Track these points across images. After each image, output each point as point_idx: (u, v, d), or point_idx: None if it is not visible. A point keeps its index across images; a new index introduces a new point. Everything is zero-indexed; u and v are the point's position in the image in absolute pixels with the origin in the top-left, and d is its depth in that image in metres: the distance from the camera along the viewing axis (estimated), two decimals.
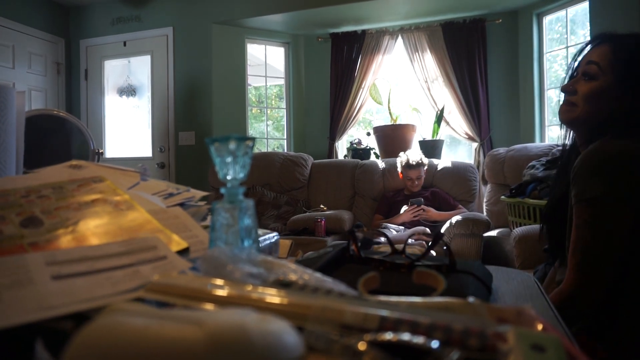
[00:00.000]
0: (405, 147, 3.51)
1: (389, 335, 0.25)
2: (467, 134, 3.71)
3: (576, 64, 0.95)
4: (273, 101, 5.79)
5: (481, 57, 3.65)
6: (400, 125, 3.72)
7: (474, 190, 3.16)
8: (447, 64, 3.70)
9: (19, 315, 0.32)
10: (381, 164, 3.44)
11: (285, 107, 4.37)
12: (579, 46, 0.98)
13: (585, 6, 3.23)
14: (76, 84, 4.38)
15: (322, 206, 3.26)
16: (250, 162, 0.49)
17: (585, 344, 0.80)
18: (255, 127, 5.37)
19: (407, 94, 4.09)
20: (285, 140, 4.38)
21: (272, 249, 0.76)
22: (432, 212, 2.84)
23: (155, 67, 4.12)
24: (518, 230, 2.11)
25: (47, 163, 0.70)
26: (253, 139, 0.48)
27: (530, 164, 2.52)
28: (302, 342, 0.25)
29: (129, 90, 4.28)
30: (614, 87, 0.87)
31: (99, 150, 1.98)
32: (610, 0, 2.99)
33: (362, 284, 0.42)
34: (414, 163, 2.95)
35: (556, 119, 3.25)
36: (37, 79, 4.07)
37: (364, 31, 3.98)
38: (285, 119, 4.37)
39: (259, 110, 5.25)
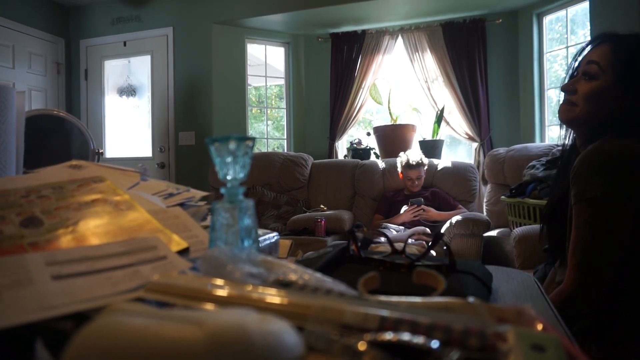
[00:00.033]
0: (405, 147, 3.51)
1: (389, 335, 0.25)
2: (467, 134, 3.71)
3: (576, 63, 0.95)
4: (273, 101, 5.79)
5: (481, 57, 3.65)
6: (400, 125, 3.72)
7: (474, 190, 3.16)
8: (447, 64, 3.70)
9: (19, 315, 0.32)
10: (381, 164, 3.44)
11: (285, 107, 4.37)
12: (580, 46, 0.98)
13: (585, 6, 3.23)
14: (76, 84, 4.38)
15: (322, 206, 3.26)
16: (250, 162, 0.49)
17: (581, 347, 0.80)
18: (255, 127, 5.37)
19: (407, 94, 4.09)
20: (285, 140, 4.38)
21: (272, 249, 0.76)
22: (432, 212, 2.84)
23: (155, 67, 4.12)
24: (518, 230, 2.11)
25: (47, 163, 0.70)
26: (253, 139, 0.48)
27: (530, 164, 2.52)
28: (302, 342, 0.25)
29: (129, 90, 4.28)
30: (614, 86, 0.87)
31: (99, 150, 1.98)
32: (610, 0, 2.99)
33: (362, 284, 0.42)
34: (414, 163, 2.95)
35: (556, 119, 3.25)
36: (37, 79, 4.06)
37: (364, 31, 3.98)
38: (285, 119, 4.37)
39: (259, 110, 5.25)
